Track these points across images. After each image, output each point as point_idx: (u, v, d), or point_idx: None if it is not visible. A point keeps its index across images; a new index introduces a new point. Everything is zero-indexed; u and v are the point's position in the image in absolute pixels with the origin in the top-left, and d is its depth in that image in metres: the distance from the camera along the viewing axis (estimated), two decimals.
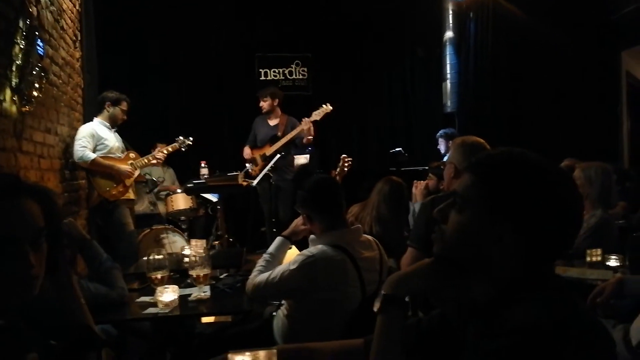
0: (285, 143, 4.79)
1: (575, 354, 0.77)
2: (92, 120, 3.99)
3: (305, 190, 1.97)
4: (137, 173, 4.01)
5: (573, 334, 0.79)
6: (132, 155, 4.03)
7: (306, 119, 4.75)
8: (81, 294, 1.13)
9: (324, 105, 4.89)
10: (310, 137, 4.74)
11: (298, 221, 2.11)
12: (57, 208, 1.02)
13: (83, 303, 1.12)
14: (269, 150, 4.78)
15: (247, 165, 4.84)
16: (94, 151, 3.78)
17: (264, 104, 4.95)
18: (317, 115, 4.87)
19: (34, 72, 3.00)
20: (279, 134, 4.87)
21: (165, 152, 4.22)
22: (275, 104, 4.98)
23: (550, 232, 0.86)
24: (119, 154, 3.94)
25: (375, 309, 1.00)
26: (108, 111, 3.93)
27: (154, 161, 4.17)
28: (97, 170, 3.80)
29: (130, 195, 3.99)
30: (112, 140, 3.91)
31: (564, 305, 0.84)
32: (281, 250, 2.11)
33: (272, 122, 5.00)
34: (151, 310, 1.95)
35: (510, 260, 0.88)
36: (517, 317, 0.82)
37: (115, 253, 3.64)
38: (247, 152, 4.92)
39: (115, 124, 3.98)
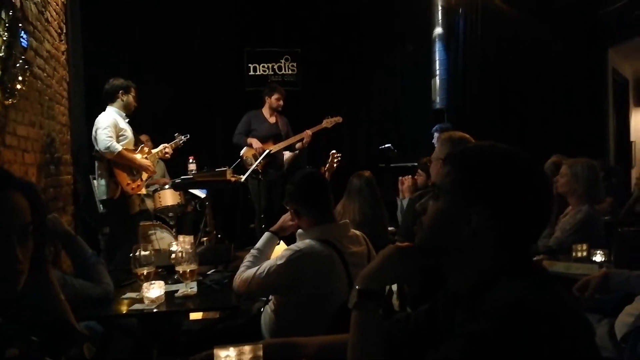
0: (288, 144, 4.92)
1: (554, 335, 0.78)
2: (88, 113, 3.87)
3: (293, 185, 1.96)
4: (153, 168, 3.97)
5: (552, 315, 0.81)
6: (145, 149, 3.95)
7: (308, 131, 4.89)
8: (60, 289, 1.11)
9: (336, 117, 5.04)
10: (306, 145, 4.93)
11: (286, 217, 2.10)
12: (43, 204, 1.01)
13: (63, 299, 1.10)
14: (274, 148, 4.78)
15: (248, 157, 4.81)
16: (117, 142, 3.66)
17: (278, 103, 4.95)
18: (328, 123, 4.98)
19: (18, 65, 2.94)
20: (282, 133, 4.94)
21: (171, 149, 4.19)
22: None
23: (520, 214, 0.90)
24: (132, 147, 3.85)
25: (349, 305, 1.00)
26: (122, 100, 3.81)
27: (165, 156, 4.15)
28: (120, 162, 3.67)
29: (144, 190, 3.96)
30: (129, 131, 3.81)
31: (542, 288, 0.86)
32: (269, 246, 2.10)
33: (272, 120, 5.01)
34: (137, 306, 1.93)
35: (485, 245, 0.91)
36: (496, 299, 0.83)
37: (120, 247, 3.57)
38: (257, 143, 4.83)
39: (129, 112, 3.87)
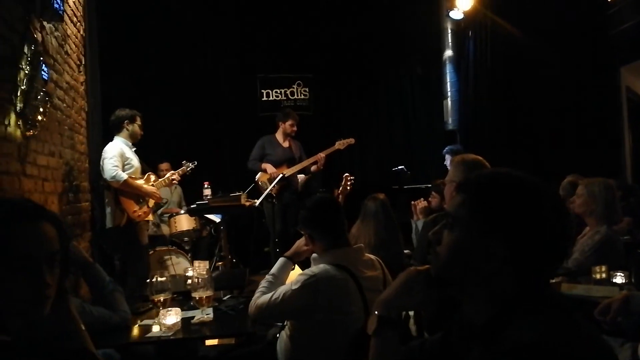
0: (302, 167, 4.98)
1: None
2: (104, 141, 3.95)
3: (306, 210, 1.98)
4: (159, 195, 4.02)
5: (574, 353, 0.79)
6: (152, 177, 4.03)
7: (321, 154, 4.96)
8: (79, 317, 1.13)
9: (349, 139, 5.10)
10: (321, 167, 4.99)
11: (300, 242, 2.11)
12: (68, 233, 1.07)
13: (82, 327, 1.12)
14: (288, 172, 4.84)
15: (263, 181, 4.87)
16: (122, 171, 3.76)
17: (292, 128, 5.03)
18: (340, 145, 5.04)
19: (39, 97, 3.03)
20: (295, 157, 5.01)
21: (178, 175, 4.28)
22: None
23: (538, 246, 0.87)
24: (139, 175, 3.94)
25: (369, 331, 1.00)
26: (128, 129, 3.91)
27: (172, 182, 4.22)
28: (126, 190, 3.76)
29: (151, 217, 4.00)
30: (135, 160, 3.91)
31: (563, 323, 0.84)
32: (284, 271, 2.10)
33: (285, 144, 5.08)
34: (154, 333, 1.94)
35: (503, 277, 0.89)
36: (516, 337, 0.82)
37: (128, 274, 3.62)
38: (271, 168, 4.92)
39: (135, 141, 3.98)
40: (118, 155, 3.75)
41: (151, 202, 3.93)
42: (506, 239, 0.87)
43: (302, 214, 1.99)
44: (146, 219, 3.91)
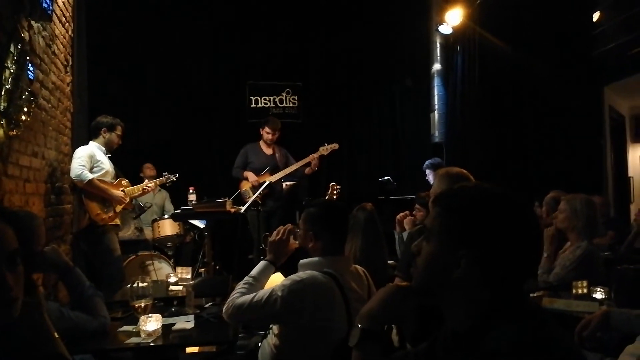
0: (288, 173, 4.95)
1: None
2: (86, 143, 3.94)
3: (319, 208, 1.98)
4: (127, 200, 3.97)
5: (548, 358, 0.80)
6: (124, 182, 3.99)
7: (314, 155, 4.95)
8: (55, 322, 1.10)
9: (333, 144, 5.09)
10: (315, 169, 4.98)
11: (277, 238, 2.06)
12: (31, 229, 1.03)
13: (54, 333, 1.09)
14: (273, 178, 4.84)
15: (246, 190, 4.85)
16: (90, 172, 3.71)
17: (274, 137, 5.05)
18: (324, 150, 5.04)
19: (23, 97, 3.00)
20: (278, 164, 5.01)
21: (153, 185, 4.29)
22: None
23: (507, 255, 0.90)
24: (111, 179, 3.90)
25: (351, 344, 1.00)
26: (104, 137, 3.90)
27: (144, 191, 4.19)
28: (91, 191, 3.72)
29: (117, 221, 3.94)
30: (107, 164, 3.88)
31: (538, 332, 0.86)
32: (264, 275, 2.04)
33: (268, 152, 5.08)
34: (134, 339, 1.91)
35: (474, 286, 0.91)
36: (493, 343, 0.83)
37: (102, 279, 3.57)
38: (253, 176, 4.92)
39: (111, 149, 3.96)
40: (87, 156, 3.73)
41: (118, 208, 3.88)
42: (475, 248, 0.90)
43: (311, 211, 1.98)
44: (114, 223, 3.86)
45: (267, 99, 6.58)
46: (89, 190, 3.71)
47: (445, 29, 6.26)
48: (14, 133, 2.93)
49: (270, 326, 1.97)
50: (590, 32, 6.33)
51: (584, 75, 6.24)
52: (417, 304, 1.03)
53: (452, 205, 0.95)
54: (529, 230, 0.92)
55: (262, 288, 1.98)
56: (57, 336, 1.09)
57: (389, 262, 3.30)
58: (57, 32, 3.93)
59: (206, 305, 2.42)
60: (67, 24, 4.26)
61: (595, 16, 6.29)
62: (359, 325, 1.02)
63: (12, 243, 0.96)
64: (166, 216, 4.90)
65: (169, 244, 4.84)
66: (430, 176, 5.27)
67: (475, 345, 0.87)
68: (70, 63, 4.40)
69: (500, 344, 0.82)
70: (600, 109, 6.78)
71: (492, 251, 0.89)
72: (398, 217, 3.79)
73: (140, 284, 2.07)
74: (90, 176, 3.67)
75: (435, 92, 6.54)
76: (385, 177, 5.74)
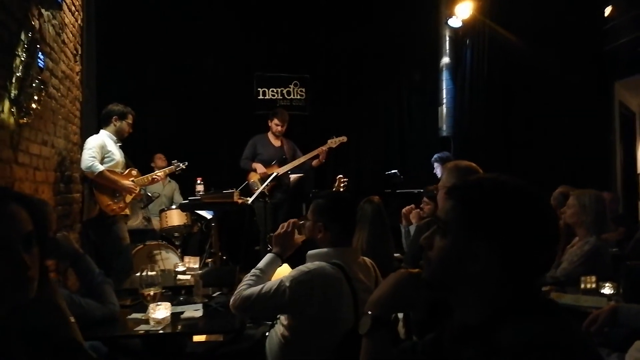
0: (296, 165, 4.96)
1: None
2: (97, 132, 3.93)
3: (327, 200, 2.01)
4: (137, 190, 3.98)
5: (568, 353, 0.80)
6: (134, 172, 3.99)
7: (323, 147, 4.96)
8: (68, 308, 1.11)
9: (341, 137, 5.08)
10: (322, 161, 4.99)
11: (283, 231, 2.06)
12: (44, 214, 1.04)
13: (70, 317, 1.10)
14: (281, 170, 4.84)
15: (254, 181, 4.86)
16: (101, 163, 3.73)
17: (282, 128, 5.05)
18: (333, 143, 5.04)
19: (34, 85, 3.01)
20: (286, 156, 5.01)
21: (162, 173, 4.29)
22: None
23: (525, 249, 0.89)
24: (121, 169, 3.91)
25: (361, 332, 1.00)
26: (115, 125, 3.90)
27: (154, 180, 4.20)
28: (101, 183, 3.73)
29: (127, 211, 3.97)
30: (118, 154, 3.88)
31: (557, 326, 0.85)
32: (271, 267, 2.05)
33: (277, 144, 5.09)
34: (143, 327, 1.93)
35: (493, 281, 0.90)
36: (508, 338, 0.83)
37: (110, 268, 3.60)
38: (261, 168, 4.93)
39: (122, 138, 3.96)
40: (97, 147, 3.73)
41: (128, 198, 3.90)
42: (493, 242, 0.88)
43: (320, 202, 2.00)
44: (122, 213, 3.87)
45: (275, 91, 6.57)
46: (99, 182, 3.72)
47: (455, 22, 6.21)
48: (25, 121, 2.95)
49: (278, 316, 1.98)
50: (601, 27, 6.25)
51: (594, 70, 6.18)
52: (428, 296, 1.02)
53: (469, 197, 0.94)
54: (547, 222, 0.91)
55: (269, 280, 1.99)
56: (72, 320, 1.10)
57: (395, 255, 3.31)
58: (66, 20, 3.94)
59: (214, 295, 2.44)
60: (76, 12, 4.26)
61: (607, 11, 6.21)
62: (369, 313, 1.01)
63: (28, 225, 0.97)
64: (174, 206, 4.93)
65: (176, 234, 4.87)
66: (438, 169, 5.25)
67: (487, 338, 0.87)
68: (80, 52, 4.41)
69: (517, 339, 0.82)
70: (611, 104, 6.72)
71: (511, 244, 0.88)
72: (404, 210, 3.79)
73: (150, 273, 2.08)
74: (100, 168, 3.67)
75: (444, 86, 6.50)
76: (392, 171, 5.72)
